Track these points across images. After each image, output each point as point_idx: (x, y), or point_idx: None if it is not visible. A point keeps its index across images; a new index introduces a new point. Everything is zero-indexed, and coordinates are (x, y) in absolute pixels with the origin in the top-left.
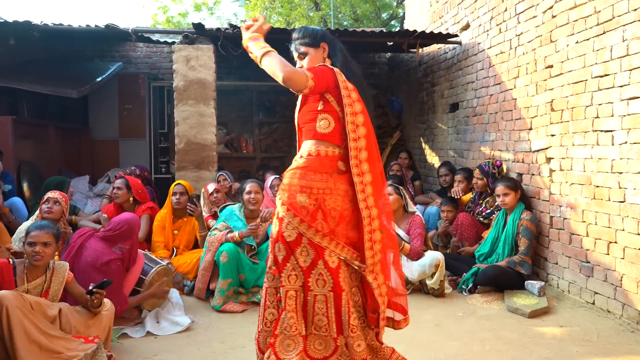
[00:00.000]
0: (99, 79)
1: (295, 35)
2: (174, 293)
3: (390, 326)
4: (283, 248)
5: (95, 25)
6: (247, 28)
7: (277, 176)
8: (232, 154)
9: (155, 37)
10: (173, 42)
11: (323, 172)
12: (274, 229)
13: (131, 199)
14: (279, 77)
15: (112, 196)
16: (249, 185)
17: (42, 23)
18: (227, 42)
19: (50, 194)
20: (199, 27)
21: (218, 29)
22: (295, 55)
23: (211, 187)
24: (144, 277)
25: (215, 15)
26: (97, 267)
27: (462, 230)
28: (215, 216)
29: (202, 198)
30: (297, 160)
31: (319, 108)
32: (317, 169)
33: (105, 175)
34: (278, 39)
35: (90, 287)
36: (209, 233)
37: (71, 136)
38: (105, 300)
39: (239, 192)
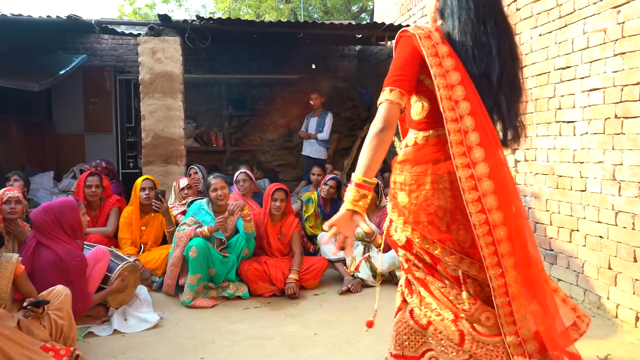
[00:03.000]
0: (62, 72)
1: None
2: (142, 290)
3: None
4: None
5: (57, 16)
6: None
7: (244, 170)
8: (201, 147)
9: (120, 29)
10: (139, 34)
11: (422, 164)
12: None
13: (100, 197)
14: (379, 129)
15: (81, 193)
16: (213, 182)
17: (1, 14)
18: (194, 34)
19: (10, 194)
20: (165, 18)
21: (185, 21)
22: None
23: (183, 182)
24: (109, 275)
25: (184, 7)
26: (57, 265)
27: None
28: (185, 213)
29: (172, 191)
30: (398, 154)
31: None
32: (415, 161)
33: (70, 171)
34: (247, 32)
35: (25, 304)
36: (178, 228)
37: (34, 131)
38: (60, 287)
39: (205, 187)
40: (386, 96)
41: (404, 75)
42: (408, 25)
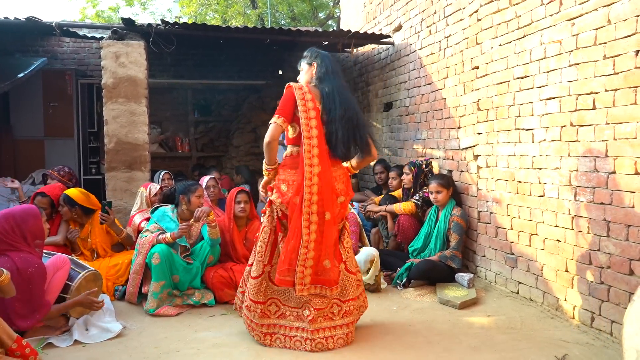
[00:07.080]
0: (20, 75)
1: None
2: (104, 298)
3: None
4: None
5: (15, 18)
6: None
7: (212, 176)
8: (166, 153)
9: (82, 32)
10: (102, 38)
11: (295, 167)
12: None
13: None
14: (265, 143)
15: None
16: (198, 191)
17: None
18: (159, 38)
19: None
20: (129, 22)
21: (149, 25)
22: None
23: (155, 187)
24: (70, 283)
25: (149, 11)
26: (13, 273)
27: (403, 231)
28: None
29: (139, 198)
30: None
31: (291, 120)
32: (291, 166)
33: (29, 177)
34: (213, 37)
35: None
36: (140, 235)
37: None
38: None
39: (184, 191)
40: (275, 120)
41: (286, 110)
42: (374, 34)
